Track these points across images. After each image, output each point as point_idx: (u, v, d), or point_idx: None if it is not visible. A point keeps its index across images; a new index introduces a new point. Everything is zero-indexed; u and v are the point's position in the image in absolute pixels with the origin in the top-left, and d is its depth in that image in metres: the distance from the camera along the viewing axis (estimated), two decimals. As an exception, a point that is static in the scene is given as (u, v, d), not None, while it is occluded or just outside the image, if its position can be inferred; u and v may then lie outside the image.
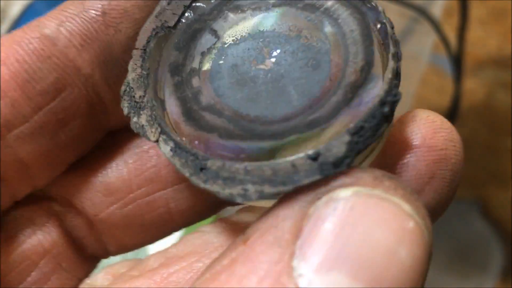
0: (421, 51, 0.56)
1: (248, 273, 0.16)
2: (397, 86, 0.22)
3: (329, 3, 0.23)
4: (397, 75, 0.22)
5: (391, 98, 0.21)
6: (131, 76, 0.23)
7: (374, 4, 0.23)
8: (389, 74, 0.21)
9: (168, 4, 0.24)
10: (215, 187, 0.20)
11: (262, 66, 0.23)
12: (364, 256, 0.16)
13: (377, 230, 0.16)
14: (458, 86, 0.62)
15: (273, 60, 0.23)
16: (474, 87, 1.07)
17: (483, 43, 1.08)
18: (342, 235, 0.16)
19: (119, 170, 0.24)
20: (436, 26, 0.53)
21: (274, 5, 0.24)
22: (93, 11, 0.23)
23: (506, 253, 1.09)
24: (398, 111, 0.54)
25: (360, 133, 0.20)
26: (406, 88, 0.55)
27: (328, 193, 0.17)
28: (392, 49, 0.22)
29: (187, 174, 0.21)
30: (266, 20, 0.24)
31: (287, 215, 0.17)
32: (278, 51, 0.23)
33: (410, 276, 0.15)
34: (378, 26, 0.23)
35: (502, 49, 1.07)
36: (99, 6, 0.23)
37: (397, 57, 0.22)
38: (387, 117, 0.21)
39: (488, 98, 1.08)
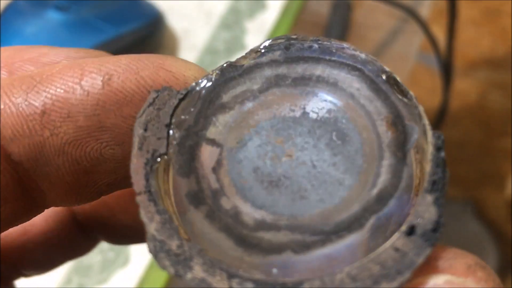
0: (409, 51, 0.56)
1: None
2: (432, 126, 0.20)
3: (319, 71, 0.21)
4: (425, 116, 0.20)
5: (440, 140, 0.19)
6: (152, 229, 0.19)
7: (366, 56, 0.21)
8: (423, 119, 0.20)
9: (145, 130, 0.20)
10: None
11: (285, 159, 0.20)
12: None
13: None
14: (447, 92, 0.62)
15: (292, 148, 0.21)
16: (467, 87, 1.07)
17: (475, 44, 1.08)
18: None
19: None
20: (424, 26, 0.53)
21: (260, 91, 0.21)
22: (33, 107, 0.20)
23: (501, 253, 1.09)
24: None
25: (435, 187, 0.19)
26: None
27: (420, 277, 0.18)
28: (411, 93, 0.20)
29: None
30: None
31: None
32: (292, 136, 0.21)
33: None
34: (384, 76, 0.21)
35: (494, 49, 1.07)
36: (40, 103, 0.20)
37: (416, 100, 0.20)
38: (445, 160, 0.19)
39: (481, 99, 1.08)
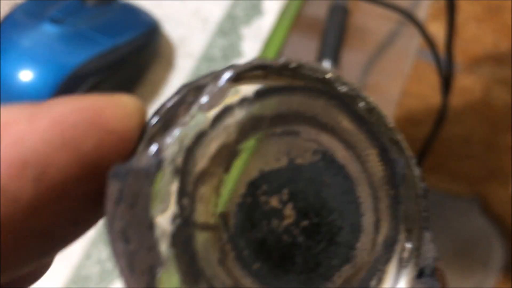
0: (407, 54, 0.56)
1: None
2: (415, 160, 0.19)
3: (295, 104, 0.18)
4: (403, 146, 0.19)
5: (421, 171, 0.19)
6: None
7: (345, 85, 0.18)
8: (406, 150, 0.19)
9: (127, 242, 0.15)
10: None
11: (287, 221, 0.17)
12: None
13: None
14: (446, 94, 0.61)
15: (290, 207, 0.18)
16: (470, 84, 1.07)
17: (478, 40, 1.08)
18: None
19: None
20: (422, 29, 0.53)
21: (238, 142, 0.18)
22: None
23: (507, 249, 1.09)
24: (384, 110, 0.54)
25: (428, 223, 0.18)
26: (392, 88, 0.55)
27: None
28: (391, 123, 0.19)
29: None
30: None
31: None
32: (286, 193, 0.18)
33: None
34: (361, 104, 0.18)
35: (497, 45, 1.07)
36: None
37: (396, 132, 0.19)
38: (427, 192, 0.19)
39: (485, 95, 1.07)
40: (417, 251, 0.18)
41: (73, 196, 0.14)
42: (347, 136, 0.18)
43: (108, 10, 0.44)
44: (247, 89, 0.17)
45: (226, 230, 0.16)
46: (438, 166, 1.10)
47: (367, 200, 0.18)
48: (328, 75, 0.18)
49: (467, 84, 1.06)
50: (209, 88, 0.16)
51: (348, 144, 0.18)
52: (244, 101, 0.17)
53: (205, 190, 0.16)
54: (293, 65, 0.17)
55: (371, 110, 0.18)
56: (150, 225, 0.15)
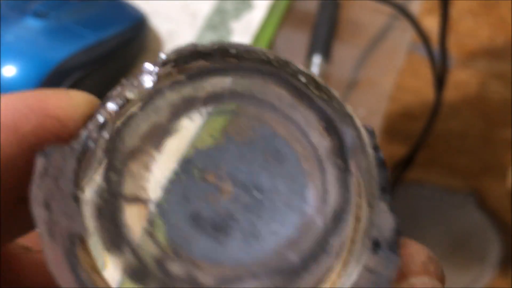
0: (400, 48, 0.55)
1: None
2: (369, 130, 0.18)
3: (229, 83, 0.18)
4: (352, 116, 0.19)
5: (374, 138, 0.18)
6: None
7: (278, 58, 0.18)
8: (354, 119, 0.18)
9: (49, 210, 0.16)
10: None
11: (223, 196, 0.17)
12: None
13: None
14: (440, 88, 0.61)
15: (228, 182, 0.18)
16: (466, 78, 1.06)
17: (474, 34, 1.07)
18: None
19: None
20: (415, 23, 0.52)
21: (170, 122, 0.18)
22: None
23: (504, 244, 1.08)
24: (376, 106, 0.53)
25: (386, 192, 0.18)
26: (385, 83, 0.54)
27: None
28: (334, 92, 0.18)
29: None
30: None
31: None
32: (223, 168, 0.18)
33: None
34: (301, 77, 0.18)
35: (493, 39, 1.06)
36: None
37: (335, 97, 0.19)
38: (384, 160, 0.18)
39: (481, 89, 1.07)
40: (370, 223, 0.18)
41: (15, 174, 0.16)
42: (288, 111, 0.18)
43: (93, 4, 0.43)
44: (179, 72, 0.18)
45: (155, 203, 0.17)
46: (434, 160, 1.09)
47: (313, 173, 0.18)
48: (264, 55, 0.18)
49: (463, 78, 1.06)
50: (140, 74, 0.17)
51: (290, 119, 0.18)
52: (175, 84, 0.18)
53: (135, 167, 0.17)
54: (230, 50, 0.18)
55: (314, 83, 0.18)
56: (73, 196, 0.16)
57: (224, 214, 0.18)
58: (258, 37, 0.50)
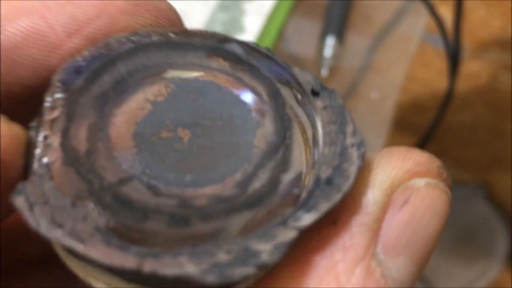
0: (414, 32, 0.55)
1: (339, 252, 0.17)
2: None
3: (163, 58, 0.20)
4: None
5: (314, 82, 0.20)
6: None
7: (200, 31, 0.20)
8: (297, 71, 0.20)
9: None
10: None
11: (186, 140, 0.19)
12: (423, 243, 0.18)
13: (434, 220, 0.18)
14: (454, 73, 0.60)
15: (180, 129, 0.19)
16: (477, 69, 1.06)
17: (486, 25, 1.06)
18: (412, 224, 0.18)
19: None
20: (430, 5, 0.52)
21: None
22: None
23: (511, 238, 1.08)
24: (388, 92, 0.52)
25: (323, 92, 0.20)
26: (396, 68, 0.53)
27: (407, 181, 0.19)
28: (262, 48, 0.20)
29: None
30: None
31: (375, 200, 0.18)
32: (167, 121, 0.19)
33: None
34: (234, 46, 0.20)
35: (505, 30, 1.05)
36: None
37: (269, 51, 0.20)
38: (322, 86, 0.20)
39: (492, 81, 1.06)
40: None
41: None
42: (205, 63, 0.20)
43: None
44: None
45: (143, 174, 0.18)
46: (443, 152, 1.08)
47: (260, 116, 0.19)
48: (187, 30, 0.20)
49: (474, 69, 1.05)
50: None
51: (209, 68, 0.20)
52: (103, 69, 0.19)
53: (101, 162, 0.18)
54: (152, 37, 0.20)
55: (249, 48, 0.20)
56: (72, 204, 0.17)
57: (195, 151, 0.19)
58: (271, 18, 0.49)
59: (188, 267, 0.16)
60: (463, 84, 1.00)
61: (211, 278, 0.15)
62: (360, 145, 0.18)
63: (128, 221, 0.17)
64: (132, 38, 0.20)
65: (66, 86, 0.19)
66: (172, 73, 0.20)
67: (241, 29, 0.48)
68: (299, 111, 0.20)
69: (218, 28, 0.48)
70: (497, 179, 1.10)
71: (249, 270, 0.16)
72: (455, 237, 1.08)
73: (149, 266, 0.16)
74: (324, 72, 0.49)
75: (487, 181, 1.10)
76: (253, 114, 0.19)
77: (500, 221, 1.09)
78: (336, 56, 0.50)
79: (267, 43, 0.50)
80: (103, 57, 0.19)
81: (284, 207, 0.18)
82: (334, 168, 0.18)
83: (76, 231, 0.16)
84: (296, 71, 0.20)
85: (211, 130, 0.19)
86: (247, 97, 0.20)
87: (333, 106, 0.19)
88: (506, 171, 1.09)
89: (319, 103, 0.19)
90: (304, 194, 0.18)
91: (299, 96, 0.20)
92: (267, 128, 0.19)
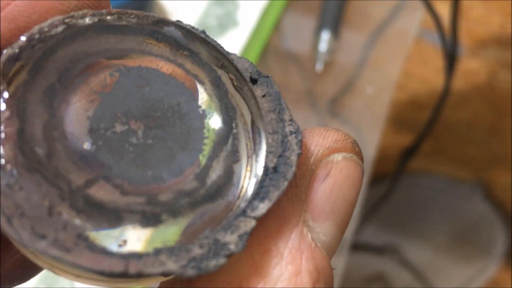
0: (410, 27, 0.54)
1: (277, 225, 0.19)
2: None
3: (99, 43, 0.20)
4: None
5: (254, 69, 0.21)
6: None
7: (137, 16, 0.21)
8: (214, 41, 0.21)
9: None
10: None
11: (140, 132, 0.19)
12: (344, 209, 0.21)
13: (352, 188, 0.21)
14: (451, 69, 0.60)
15: (133, 121, 0.20)
16: (475, 67, 1.05)
17: (484, 22, 1.06)
18: (334, 193, 0.21)
19: None
20: (427, 3, 0.51)
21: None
22: None
23: (509, 236, 1.08)
24: (383, 87, 0.52)
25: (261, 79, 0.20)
26: (392, 64, 0.53)
27: (327, 156, 0.21)
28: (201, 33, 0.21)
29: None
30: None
31: (302, 176, 0.21)
32: (117, 112, 0.19)
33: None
34: (170, 28, 0.21)
35: (504, 27, 1.05)
36: None
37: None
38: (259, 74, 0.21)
39: (490, 78, 1.06)
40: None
41: None
42: (146, 48, 0.20)
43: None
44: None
45: (108, 168, 0.18)
46: (441, 150, 1.08)
47: (209, 103, 0.20)
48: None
49: (472, 67, 1.04)
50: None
51: (149, 53, 0.20)
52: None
53: (65, 165, 0.18)
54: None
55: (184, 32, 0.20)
56: (49, 213, 0.17)
57: (150, 143, 0.19)
58: (265, 12, 0.49)
59: (169, 265, 0.17)
60: (461, 82, 1.00)
61: (190, 272, 0.17)
62: (297, 132, 0.20)
63: (104, 224, 0.17)
64: (67, 20, 0.19)
65: (8, 79, 0.18)
66: (114, 61, 0.20)
67: (235, 23, 0.48)
68: (238, 97, 0.20)
69: (213, 22, 0.48)
70: (495, 177, 1.10)
71: (221, 261, 0.17)
72: (453, 235, 1.08)
73: (134, 267, 0.17)
74: (319, 66, 0.48)
75: (485, 179, 1.10)
76: (199, 102, 0.20)
77: (499, 219, 1.09)
78: (331, 51, 0.50)
79: (262, 38, 0.49)
80: (42, 44, 0.19)
81: (239, 198, 0.19)
82: (278, 157, 0.19)
83: (60, 241, 0.17)
84: (234, 56, 0.20)
85: (162, 121, 0.19)
86: (191, 84, 0.20)
87: (270, 93, 0.20)
88: (504, 169, 1.09)
89: (258, 91, 0.20)
90: (252, 184, 0.19)
91: (235, 82, 0.21)
92: (214, 117, 0.20)
